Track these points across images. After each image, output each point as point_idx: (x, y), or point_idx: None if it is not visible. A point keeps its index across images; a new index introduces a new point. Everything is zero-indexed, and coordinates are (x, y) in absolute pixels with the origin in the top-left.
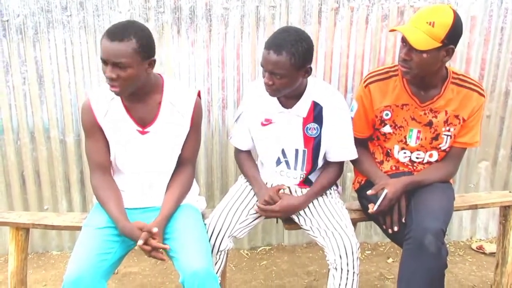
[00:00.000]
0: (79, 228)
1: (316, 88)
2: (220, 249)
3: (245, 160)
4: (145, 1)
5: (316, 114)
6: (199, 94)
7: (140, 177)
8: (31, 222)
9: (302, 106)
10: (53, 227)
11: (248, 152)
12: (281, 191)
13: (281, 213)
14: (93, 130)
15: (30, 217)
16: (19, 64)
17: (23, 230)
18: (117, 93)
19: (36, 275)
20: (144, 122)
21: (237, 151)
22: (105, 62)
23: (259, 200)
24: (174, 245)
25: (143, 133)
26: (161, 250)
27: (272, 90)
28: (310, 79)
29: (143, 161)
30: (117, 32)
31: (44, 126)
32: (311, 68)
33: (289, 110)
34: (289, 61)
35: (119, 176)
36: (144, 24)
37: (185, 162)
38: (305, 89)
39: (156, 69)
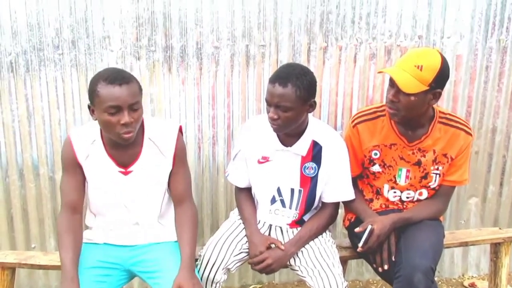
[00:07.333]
0: None
1: (317, 127)
2: (215, 281)
3: (244, 200)
4: (136, 40)
5: (315, 153)
6: (180, 130)
7: (127, 216)
8: (17, 262)
9: (303, 145)
10: (39, 267)
11: (249, 191)
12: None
13: (274, 265)
14: (72, 167)
15: (17, 256)
16: (9, 102)
17: (9, 269)
18: None
19: None
20: (125, 163)
21: (238, 190)
22: None
23: (249, 247)
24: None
25: (126, 173)
26: None
27: (278, 125)
28: (311, 118)
29: (129, 200)
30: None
31: (33, 163)
32: (315, 102)
33: (288, 148)
34: (295, 93)
35: (104, 216)
36: (135, 62)
37: (182, 199)
38: (306, 127)
39: (147, 106)
